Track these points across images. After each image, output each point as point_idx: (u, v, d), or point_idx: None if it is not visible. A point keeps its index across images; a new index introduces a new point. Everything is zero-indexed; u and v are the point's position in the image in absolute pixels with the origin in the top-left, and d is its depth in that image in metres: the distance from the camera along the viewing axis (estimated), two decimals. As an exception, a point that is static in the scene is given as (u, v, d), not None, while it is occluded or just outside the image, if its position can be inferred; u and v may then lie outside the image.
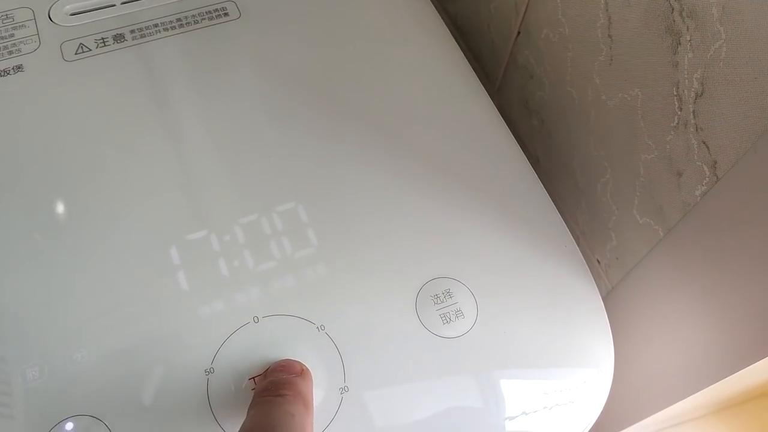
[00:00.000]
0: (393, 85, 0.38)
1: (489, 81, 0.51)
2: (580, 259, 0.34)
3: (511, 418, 0.30)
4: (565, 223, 0.35)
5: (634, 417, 0.42)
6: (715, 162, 0.29)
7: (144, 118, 0.35)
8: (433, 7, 0.44)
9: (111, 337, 0.28)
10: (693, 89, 0.29)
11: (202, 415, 0.27)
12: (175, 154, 0.34)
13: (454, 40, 0.42)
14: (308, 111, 0.36)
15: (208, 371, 0.28)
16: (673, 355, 0.37)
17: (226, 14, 0.40)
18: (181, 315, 0.29)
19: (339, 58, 0.38)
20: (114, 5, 0.40)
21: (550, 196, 0.36)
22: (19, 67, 0.36)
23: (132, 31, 0.38)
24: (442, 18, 0.44)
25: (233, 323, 0.29)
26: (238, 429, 0.24)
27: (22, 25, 0.38)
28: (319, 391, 0.28)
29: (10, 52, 0.37)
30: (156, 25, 0.39)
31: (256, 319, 0.29)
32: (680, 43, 0.29)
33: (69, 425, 0.26)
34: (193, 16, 0.39)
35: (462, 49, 0.42)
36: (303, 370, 0.28)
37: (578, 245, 0.43)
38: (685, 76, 0.29)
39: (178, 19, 0.39)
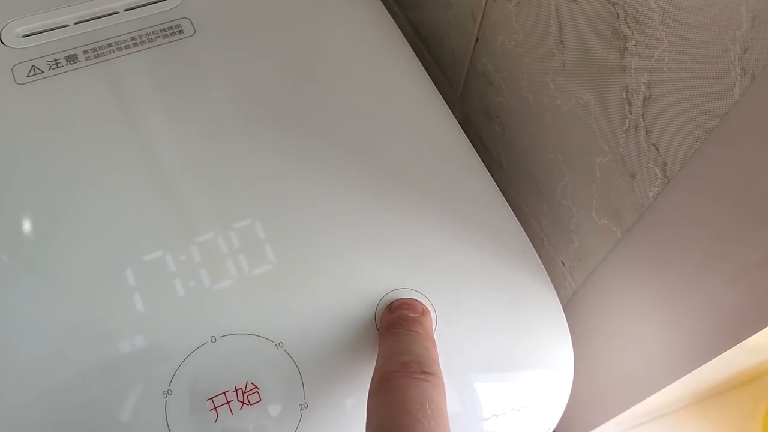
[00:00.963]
0: (350, 97, 0.38)
1: (452, 88, 0.51)
2: (538, 263, 0.34)
3: (478, 420, 0.30)
4: (530, 226, 0.35)
5: (604, 416, 0.43)
6: (665, 164, 0.29)
7: (99, 139, 0.35)
8: (391, 18, 0.44)
9: (65, 361, 0.28)
10: (641, 93, 0.29)
11: (159, 437, 0.27)
12: (131, 174, 0.34)
13: (411, 50, 0.42)
14: (264, 126, 0.36)
15: (166, 393, 0.27)
16: (637, 352, 0.37)
17: (180, 32, 0.39)
18: (137, 337, 0.29)
19: (295, 72, 0.38)
20: (67, 26, 0.39)
21: (515, 201, 0.36)
22: (-31, 91, 0.36)
23: (85, 51, 0.38)
24: (405, 27, 0.44)
25: (190, 344, 0.28)
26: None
27: (-28, 49, 0.38)
28: (278, 408, 0.28)
29: (-39, 76, 0.37)
30: (110, 45, 0.38)
31: (213, 339, 0.29)
32: (627, 48, 0.29)
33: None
34: (147, 34, 0.39)
35: (425, 58, 0.42)
36: (424, 310, 0.30)
37: (543, 248, 0.43)
38: (633, 80, 0.30)
39: (133, 38, 0.39)
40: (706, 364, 0.32)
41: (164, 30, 0.40)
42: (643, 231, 0.33)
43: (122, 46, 0.39)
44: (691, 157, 0.28)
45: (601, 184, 0.35)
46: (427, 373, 0.25)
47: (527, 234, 0.35)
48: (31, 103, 0.36)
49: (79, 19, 0.40)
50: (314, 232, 0.32)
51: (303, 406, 0.28)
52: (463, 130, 0.39)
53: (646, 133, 0.30)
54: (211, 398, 0.27)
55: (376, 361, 0.27)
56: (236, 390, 0.28)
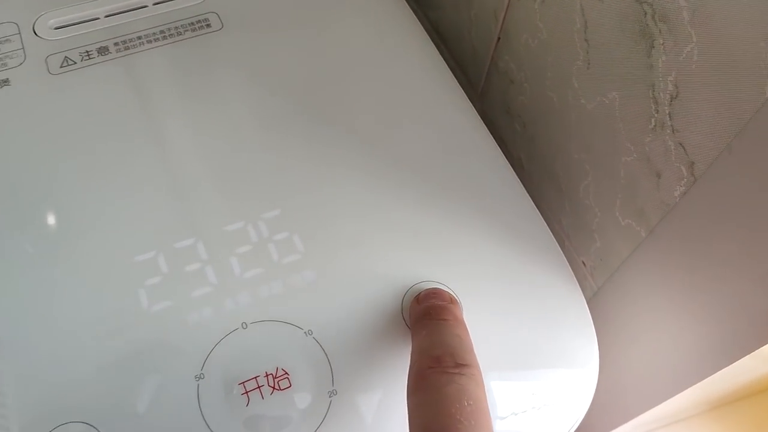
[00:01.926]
0: (376, 92, 0.38)
1: (471, 86, 0.52)
2: (564, 261, 0.35)
3: (498, 419, 0.30)
4: (551, 226, 0.35)
5: (625, 416, 0.43)
6: (693, 163, 0.30)
7: (129, 130, 0.35)
8: (414, 15, 0.45)
9: (101, 345, 0.29)
10: (668, 91, 0.30)
11: (193, 419, 0.27)
12: (162, 164, 0.34)
13: (434, 47, 0.43)
14: (291, 119, 0.36)
15: (198, 377, 0.28)
16: (660, 353, 0.37)
17: (208, 25, 0.40)
18: (171, 323, 0.29)
19: (321, 66, 0.39)
20: (98, 18, 0.40)
21: (535, 200, 0.37)
22: (5, 81, 0.37)
23: (116, 44, 0.39)
24: (424, 25, 0.44)
25: (222, 329, 0.29)
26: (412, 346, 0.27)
27: (8, 40, 0.39)
28: (308, 395, 0.28)
29: (-4, 67, 0.37)
30: (140, 38, 0.39)
31: (244, 325, 0.29)
32: (654, 46, 0.30)
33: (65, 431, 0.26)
34: (176, 28, 0.40)
35: (444, 56, 0.43)
36: (452, 298, 0.30)
37: (564, 248, 0.43)
38: (660, 78, 0.30)
39: (162, 31, 0.39)
40: (726, 368, 0.32)
41: (192, 24, 0.40)
42: (668, 230, 0.33)
43: (152, 38, 0.39)
44: (720, 155, 0.28)
45: (626, 184, 0.35)
46: (461, 365, 0.25)
47: (548, 234, 0.36)
48: (65, 93, 0.36)
49: (110, 12, 0.40)
50: (342, 223, 0.33)
51: (332, 393, 0.28)
52: (483, 128, 0.39)
53: (673, 131, 0.30)
54: (243, 383, 0.28)
55: (411, 355, 0.27)
56: (267, 375, 0.28)
